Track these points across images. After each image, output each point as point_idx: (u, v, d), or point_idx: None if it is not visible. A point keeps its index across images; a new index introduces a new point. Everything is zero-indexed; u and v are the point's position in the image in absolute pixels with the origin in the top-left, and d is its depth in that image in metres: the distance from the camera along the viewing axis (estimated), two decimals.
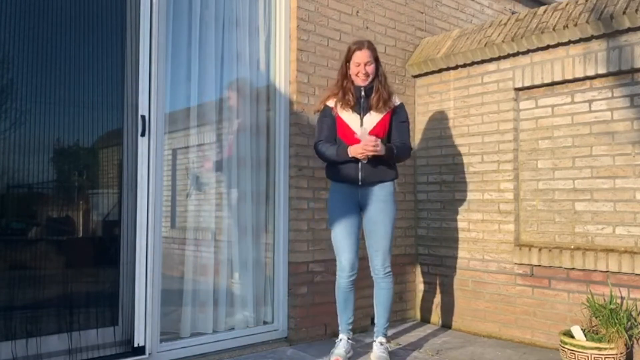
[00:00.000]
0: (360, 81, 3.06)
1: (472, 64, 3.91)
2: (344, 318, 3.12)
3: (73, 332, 2.68)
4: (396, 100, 3.13)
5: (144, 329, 2.85)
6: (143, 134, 2.89)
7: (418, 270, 4.23)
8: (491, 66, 3.81)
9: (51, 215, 2.75)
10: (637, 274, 3.04)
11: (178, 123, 3.27)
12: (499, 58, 3.75)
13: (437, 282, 4.09)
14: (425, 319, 4.15)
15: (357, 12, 3.92)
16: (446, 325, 4.00)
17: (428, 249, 4.17)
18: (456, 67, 4.02)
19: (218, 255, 3.33)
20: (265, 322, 3.51)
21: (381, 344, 3.07)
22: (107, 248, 2.87)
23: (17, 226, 2.63)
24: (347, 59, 3.10)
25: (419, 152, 4.26)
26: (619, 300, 3.08)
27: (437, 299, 4.08)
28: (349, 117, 3.04)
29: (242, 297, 3.42)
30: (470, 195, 3.91)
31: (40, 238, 2.67)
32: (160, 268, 2.98)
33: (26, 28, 2.60)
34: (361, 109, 3.04)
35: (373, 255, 3.07)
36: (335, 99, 3.09)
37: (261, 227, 3.54)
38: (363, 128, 2.98)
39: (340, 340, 3.10)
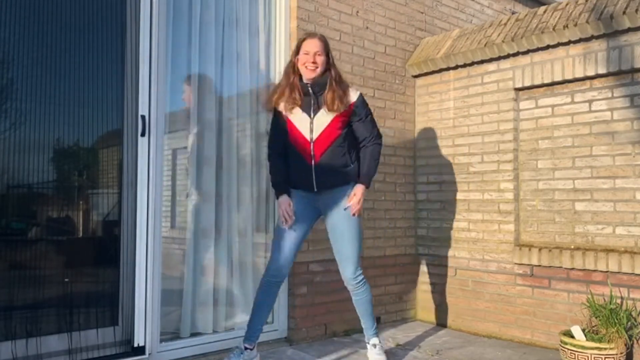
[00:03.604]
0: (308, 73, 2.77)
1: (472, 64, 3.91)
2: (253, 322, 2.86)
3: (73, 332, 2.68)
4: (353, 96, 2.84)
5: (144, 328, 2.85)
6: (143, 134, 2.89)
7: (418, 270, 4.23)
8: (491, 66, 3.82)
9: (51, 215, 2.75)
10: (637, 274, 3.04)
11: (178, 123, 3.27)
12: (499, 58, 3.75)
13: (437, 282, 4.09)
14: (425, 319, 4.15)
15: (357, 12, 3.92)
16: (446, 325, 4.00)
17: (428, 249, 4.17)
18: (456, 67, 4.02)
19: (218, 255, 3.32)
20: (265, 322, 3.50)
21: (374, 345, 3.01)
22: (107, 248, 2.87)
23: (17, 226, 2.63)
24: (297, 52, 2.83)
25: (419, 152, 4.26)
26: (619, 300, 3.08)
27: (437, 299, 4.08)
28: (299, 120, 2.81)
29: (242, 297, 3.41)
30: (470, 195, 3.91)
31: (40, 238, 2.67)
32: (160, 268, 2.98)
33: (26, 27, 2.60)
34: (311, 108, 2.79)
35: (342, 265, 2.89)
36: (282, 102, 2.84)
37: (261, 227, 3.54)
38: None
39: (236, 347, 2.87)
